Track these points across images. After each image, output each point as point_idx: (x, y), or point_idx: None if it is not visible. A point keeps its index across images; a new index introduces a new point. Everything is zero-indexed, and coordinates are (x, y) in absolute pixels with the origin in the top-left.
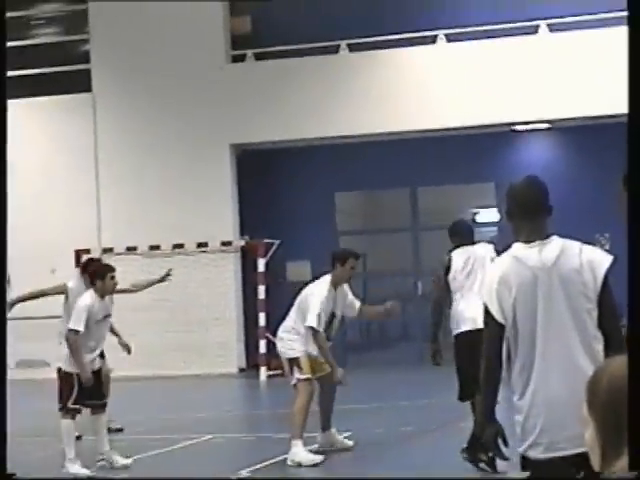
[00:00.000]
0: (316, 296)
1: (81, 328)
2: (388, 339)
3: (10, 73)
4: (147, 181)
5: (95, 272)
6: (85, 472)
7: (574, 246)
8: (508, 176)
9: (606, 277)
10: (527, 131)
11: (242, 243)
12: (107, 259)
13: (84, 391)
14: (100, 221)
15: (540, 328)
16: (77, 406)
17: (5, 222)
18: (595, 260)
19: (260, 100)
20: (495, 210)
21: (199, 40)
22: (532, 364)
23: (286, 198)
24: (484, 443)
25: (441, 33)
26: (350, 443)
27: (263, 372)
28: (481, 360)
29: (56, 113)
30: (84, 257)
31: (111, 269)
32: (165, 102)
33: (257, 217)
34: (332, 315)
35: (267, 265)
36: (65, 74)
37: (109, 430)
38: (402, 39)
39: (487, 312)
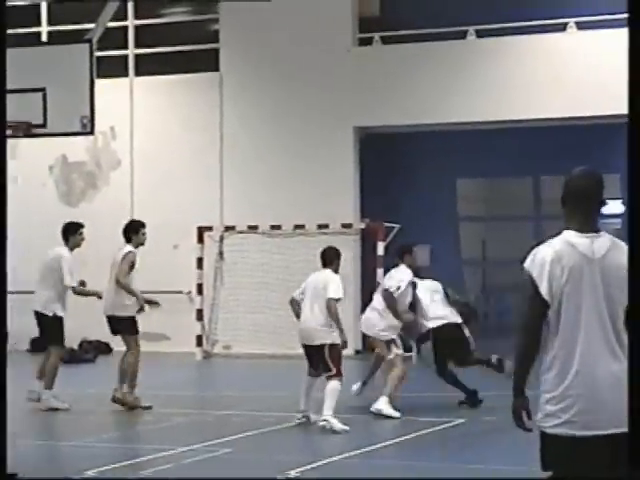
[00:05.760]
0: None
1: (342, 296)
2: (505, 328)
3: (140, 51)
4: (270, 161)
5: (331, 253)
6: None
7: (622, 245)
8: None
9: None
10: None
11: (362, 226)
12: (229, 237)
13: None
14: (223, 199)
15: (585, 313)
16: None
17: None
18: None
19: (386, 84)
20: (620, 202)
21: (327, 22)
22: (575, 345)
23: (408, 182)
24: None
25: (572, 21)
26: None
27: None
28: (520, 334)
29: (184, 91)
30: (206, 234)
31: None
32: (291, 83)
33: (378, 200)
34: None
35: (386, 249)
36: (194, 53)
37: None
38: (531, 26)
39: (534, 289)
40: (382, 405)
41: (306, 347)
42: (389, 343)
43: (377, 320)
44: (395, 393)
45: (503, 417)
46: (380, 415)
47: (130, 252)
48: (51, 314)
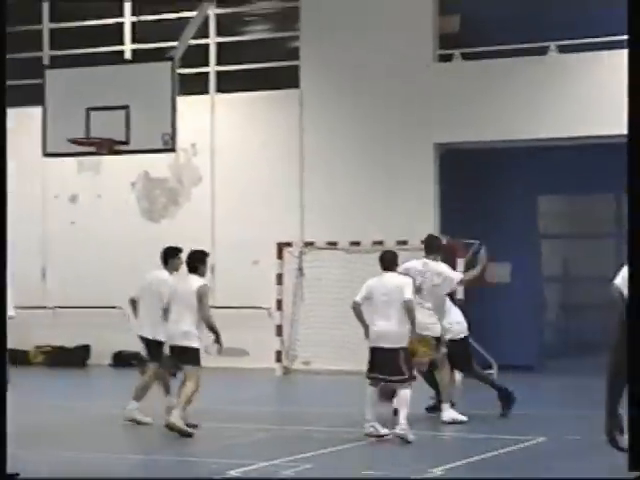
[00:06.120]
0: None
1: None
2: (587, 345)
3: (221, 68)
4: (350, 177)
5: (392, 257)
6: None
7: None
8: None
9: None
10: None
11: (442, 242)
12: (308, 253)
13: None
14: (303, 215)
15: None
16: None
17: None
18: None
19: (466, 100)
20: None
21: (407, 38)
22: None
23: (488, 199)
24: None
25: None
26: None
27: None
28: (612, 352)
29: (264, 108)
30: (286, 250)
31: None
32: (371, 99)
33: (458, 217)
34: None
35: (466, 265)
36: (274, 70)
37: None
38: (613, 41)
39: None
40: (450, 413)
41: (377, 350)
42: (439, 341)
43: (427, 318)
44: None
45: (588, 436)
46: (454, 423)
47: (204, 285)
48: (152, 337)
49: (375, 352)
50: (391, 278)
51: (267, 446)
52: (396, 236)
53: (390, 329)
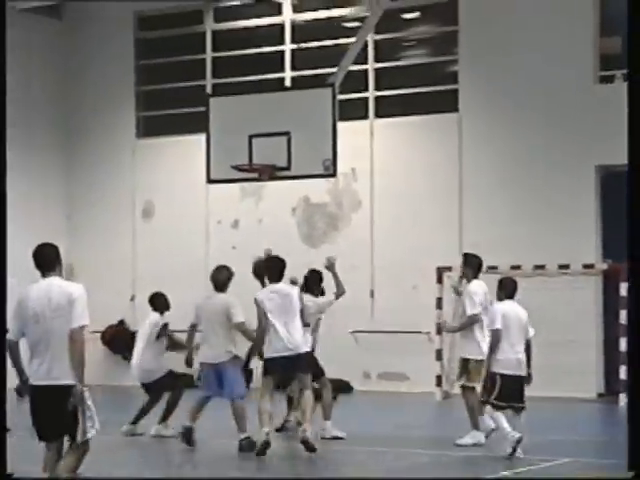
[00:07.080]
0: None
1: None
2: None
3: (380, 93)
4: (510, 200)
5: (514, 284)
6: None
7: None
8: None
9: None
10: None
11: (604, 266)
12: None
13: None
14: (462, 239)
15: None
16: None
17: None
18: None
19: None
20: None
21: (568, 60)
22: None
23: None
24: None
25: None
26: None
27: (622, 398)
28: None
29: (423, 132)
30: (445, 274)
31: None
32: (531, 122)
33: (620, 240)
34: None
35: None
36: (433, 94)
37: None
38: None
39: None
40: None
41: (513, 377)
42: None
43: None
44: None
45: None
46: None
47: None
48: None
49: (510, 380)
50: (518, 308)
51: (426, 470)
52: (557, 260)
53: (522, 358)
